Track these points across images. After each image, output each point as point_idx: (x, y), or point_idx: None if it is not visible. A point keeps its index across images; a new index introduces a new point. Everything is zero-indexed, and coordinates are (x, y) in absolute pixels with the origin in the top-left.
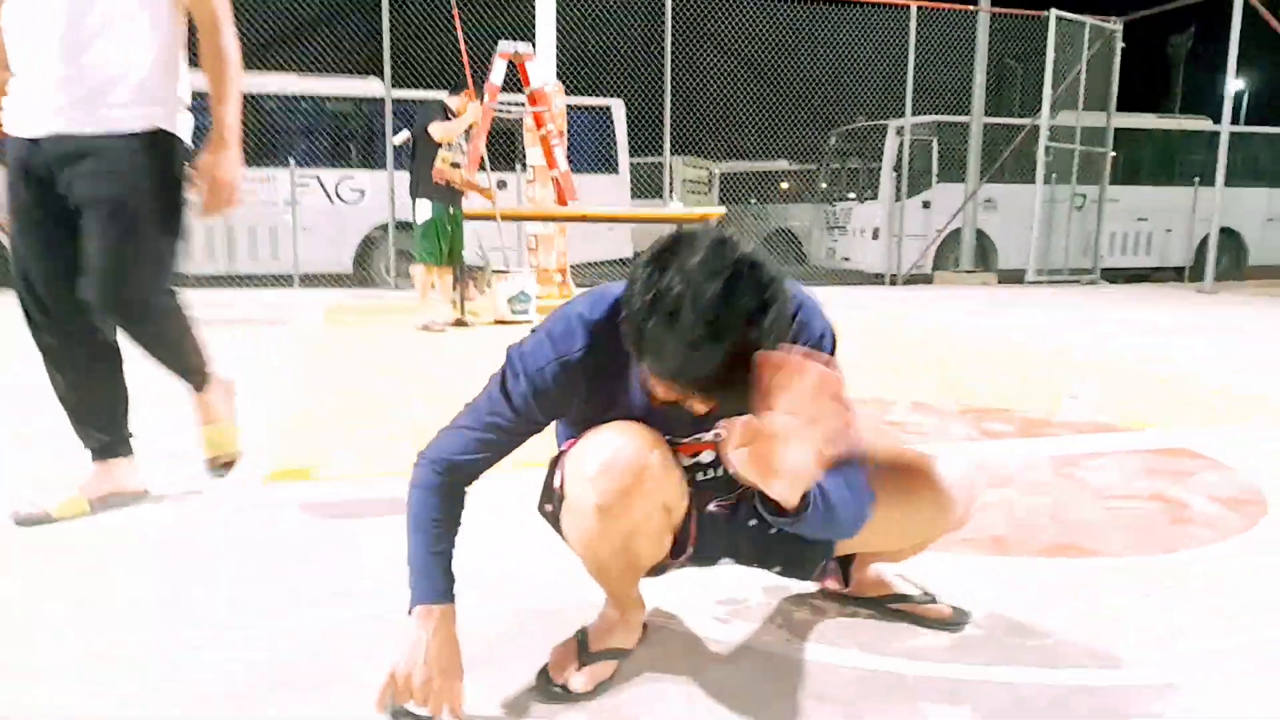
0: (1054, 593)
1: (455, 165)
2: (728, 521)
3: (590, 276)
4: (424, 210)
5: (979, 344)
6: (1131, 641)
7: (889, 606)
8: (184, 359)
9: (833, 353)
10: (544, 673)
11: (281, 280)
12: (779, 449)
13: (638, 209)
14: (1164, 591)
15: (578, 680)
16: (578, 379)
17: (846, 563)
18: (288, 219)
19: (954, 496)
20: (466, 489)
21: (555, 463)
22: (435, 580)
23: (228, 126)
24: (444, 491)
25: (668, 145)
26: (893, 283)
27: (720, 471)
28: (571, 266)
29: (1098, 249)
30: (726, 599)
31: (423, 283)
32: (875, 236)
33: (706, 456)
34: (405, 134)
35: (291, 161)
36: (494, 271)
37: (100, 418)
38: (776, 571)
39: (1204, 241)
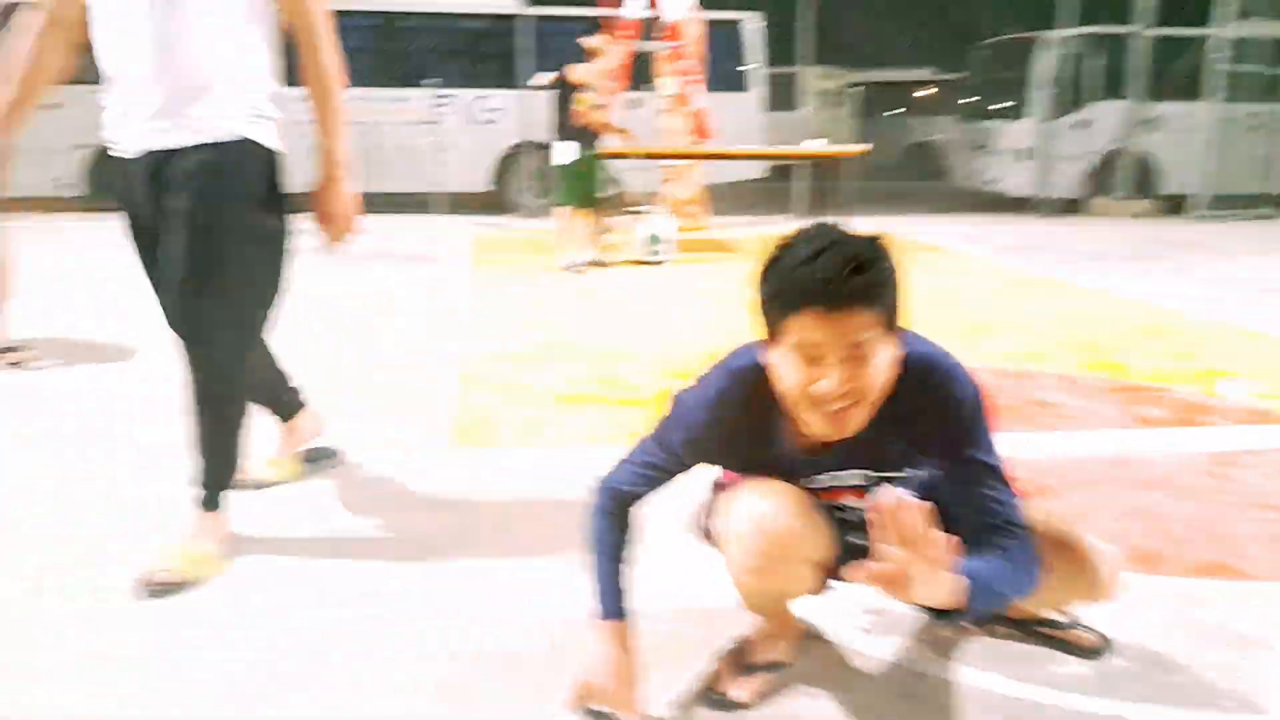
0: (1202, 621)
1: (595, 107)
2: (867, 554)
3: (725, 202)
4: (564, 153)
5: (1131, 300)
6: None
7: (1033, 629)
8: (226, 442)
9: (980, 416)
10: (708, 681)
11: (420, 201)
12: (907, 581)
13: (771, 144)
14: None
15: (739, 691)
16: (728, 432)
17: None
18: (426, 139)
19: (1105, 577)
20: (637, 512)
21: (715, 489)
22: (615, 598)
23: (332, 156)
24: (618, 517)
25: (802, 55)
26: (1040, 210)
27: (860, 515)
28: (707, 187)
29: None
30: (872, 609)
31: (564, 225)
32: (1024, 158)
33: (847, 500)
34: (545, 76)
35: (429, 81)
36: (631, 212)
37: (264, 394)
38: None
39: None
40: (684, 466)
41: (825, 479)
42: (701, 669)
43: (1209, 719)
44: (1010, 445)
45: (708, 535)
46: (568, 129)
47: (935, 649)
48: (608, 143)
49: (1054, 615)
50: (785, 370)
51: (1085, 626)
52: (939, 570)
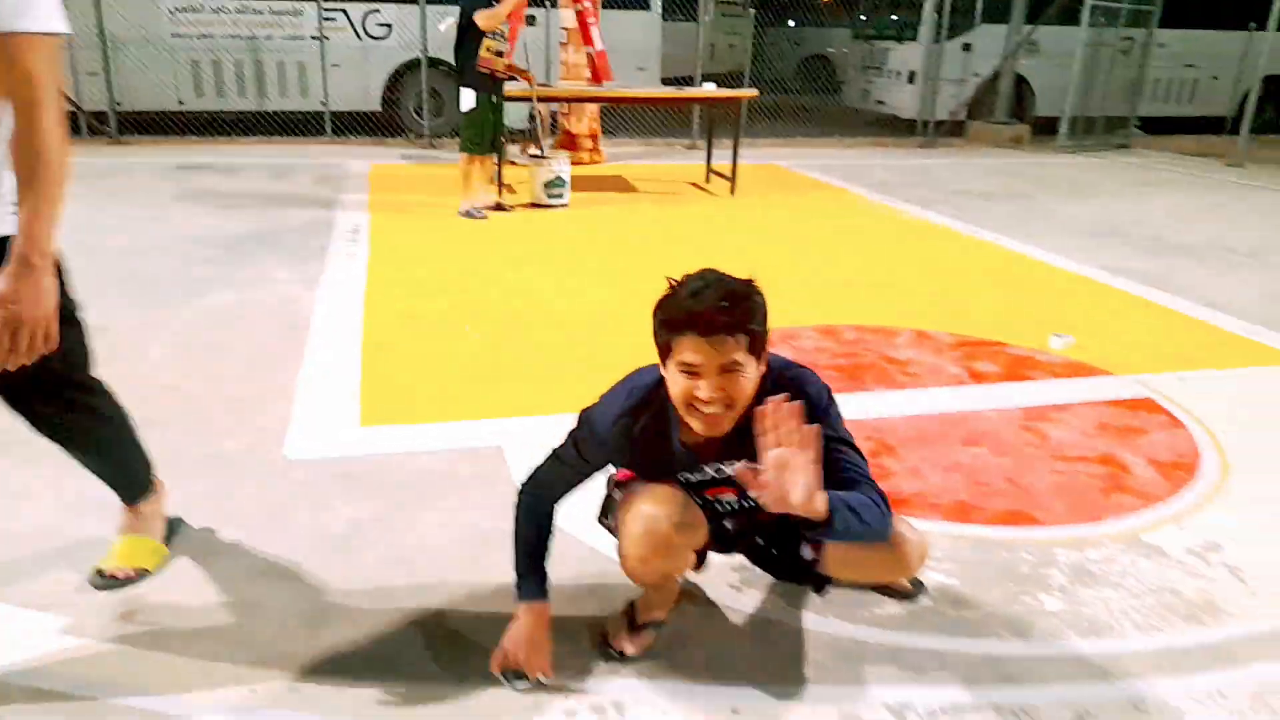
0: (993, 562)
1: (499, 54)
2: (737, 535)
3: (622, 119)
4: (468, 100)
5: (987, 243)
6: (1050, 618)
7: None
8: (117, 455)
9: (829, 404)
10: (603, 639)
11: (311, 120)
12: (786, 477)
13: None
14: (1086, 567)
15: (628, 646)
16: (629, 435)
17: (824, 580)
18: (316, 55)
19: (911, 561)
20: (555, 508)
21: (611, 485)
22: (532, 583)
23: (34, 243)
24: (537, 513)
25: None
26: (923, 131)
27: (735, 506)
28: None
29: (1136, 100)
30: (740, 566)
31: (466, 171)
32: (911, 80)
33: (723, 495)
34: (449, 21)
35: None
36: (531, 156)
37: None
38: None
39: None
40: (595, 468)
41: (709, 470)
42: (597, 629)
43: (988, 645)
44: (862, 406)
45: (607, 526)
46: (471, 75)
47: (788, 600)
48: (510, 86)
49: None
50: (672, 381)
51: None
52: (811, 467)
